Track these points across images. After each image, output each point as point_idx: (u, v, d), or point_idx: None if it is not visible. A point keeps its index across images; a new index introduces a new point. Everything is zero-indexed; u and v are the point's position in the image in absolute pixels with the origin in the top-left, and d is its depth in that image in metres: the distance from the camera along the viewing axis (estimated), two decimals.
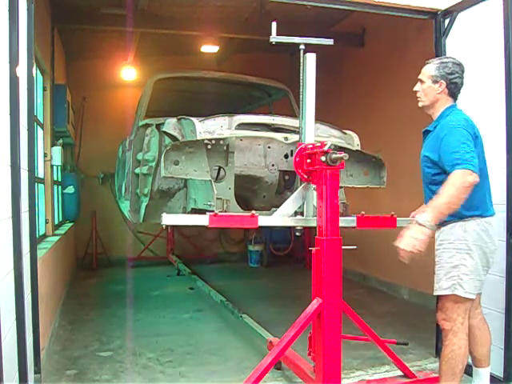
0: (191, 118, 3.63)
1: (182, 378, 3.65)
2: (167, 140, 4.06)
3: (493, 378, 3.19)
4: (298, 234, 3.21)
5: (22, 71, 2.74)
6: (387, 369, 3.64)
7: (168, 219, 2.83)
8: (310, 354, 2.99)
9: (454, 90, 2.93)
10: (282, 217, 3.06)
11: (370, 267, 6.84)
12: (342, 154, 2.73)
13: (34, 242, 3.11)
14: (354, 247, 2.81)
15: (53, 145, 5.85)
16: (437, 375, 3.24)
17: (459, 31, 3.66)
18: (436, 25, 3.84)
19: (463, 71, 2.93)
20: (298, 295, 5.35)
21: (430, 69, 2.95)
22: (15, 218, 2.57)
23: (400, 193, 5.79)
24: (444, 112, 2.93)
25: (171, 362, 3.97)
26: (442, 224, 2.88)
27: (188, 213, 4.09)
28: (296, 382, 3.44)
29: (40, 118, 5.43)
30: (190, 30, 6.51)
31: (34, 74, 3.34)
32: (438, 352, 3.87)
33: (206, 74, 5.45)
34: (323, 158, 2.72)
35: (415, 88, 3.07)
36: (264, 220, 2.97)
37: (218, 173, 3.67)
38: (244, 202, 4.26)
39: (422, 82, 3.00)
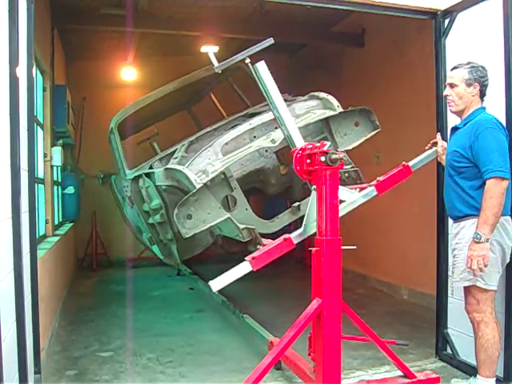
0: (179, 168, 3.65)
1: (182, 378, 3.65)
2: (163, 186, 4.11)
3: None
4: None
5: (21, 71, 2.74)
6: (387, 369, 3.63)
7: (217, 285, 2.78)
8: (310, 354, 3.00)
9: (484, 91, 3.03)
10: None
11: (370, 267, 6.83)
12: (342, 155, 2.75)
13: (34, 242, 3.10)
14: (354, 247, 2.82)
15: (53, 145, 5.85)
16: (437, 375, 3.25)
17: (459, 31, 3.65)
18: (436, 25, 3.84)
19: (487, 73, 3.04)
20: (298, 295, 5.33)
21: (463, 73, 3.00)
22: (15, 219, 2.57)
23: (400, 193, 5.77)
24: (474, 113, 3.01)
25: (171, 362, 3.97)
26: (462, 218, 2.98)
27: (216, 237, 4.16)
28: (296, 382, 3.44)
29: (40, 118, 5.43)
30: (189, 30, 6.52)
31: (34, 75, 3.33)
32: (438, 352, 3.86)
33: (159, 92, 5.54)
34: (323, 159, 2.74)
35: (445, 93, 3.13)
36: (297, 237, 2.96)
37: (228, 200, 3.69)
38: (259, 193, 4.25)
39: (453, 86, 3.04)
